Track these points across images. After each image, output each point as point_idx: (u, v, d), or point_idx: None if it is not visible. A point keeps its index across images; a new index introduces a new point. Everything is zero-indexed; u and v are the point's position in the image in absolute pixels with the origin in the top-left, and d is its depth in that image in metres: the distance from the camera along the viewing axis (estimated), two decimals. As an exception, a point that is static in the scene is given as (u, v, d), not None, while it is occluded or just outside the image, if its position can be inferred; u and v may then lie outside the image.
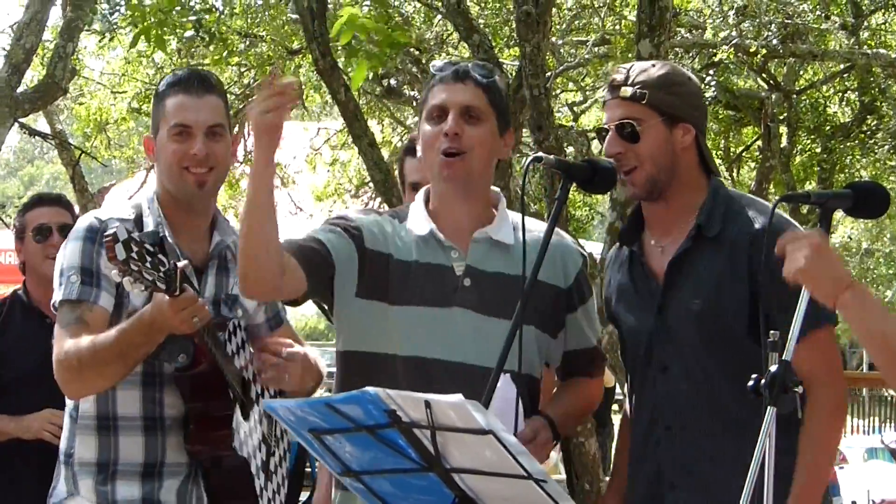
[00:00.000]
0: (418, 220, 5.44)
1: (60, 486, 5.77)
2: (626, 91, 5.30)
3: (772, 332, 4.74)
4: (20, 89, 10.31)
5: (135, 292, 5.36)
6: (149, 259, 5.10)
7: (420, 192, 5.56)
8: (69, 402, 5.76)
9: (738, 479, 4.47)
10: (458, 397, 4.45)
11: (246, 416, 5.77)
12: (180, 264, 5.23)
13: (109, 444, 5.69)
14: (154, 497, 5.72)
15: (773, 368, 4.66)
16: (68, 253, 5.64)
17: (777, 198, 5.26)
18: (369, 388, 4.56)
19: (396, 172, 6.80)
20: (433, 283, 5.40)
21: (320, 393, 6.33)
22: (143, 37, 13.55)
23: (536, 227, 5.54)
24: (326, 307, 5.48)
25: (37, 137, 12.35)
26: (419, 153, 5.59)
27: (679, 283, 5.28)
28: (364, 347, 5.36)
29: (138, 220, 5.73)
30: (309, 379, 5.77)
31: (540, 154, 5.43)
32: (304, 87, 18.47)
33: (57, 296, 5.61)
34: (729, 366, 5.20)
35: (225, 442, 5.71)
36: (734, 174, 21.18)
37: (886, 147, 18.12)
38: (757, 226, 5.26)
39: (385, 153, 15.05)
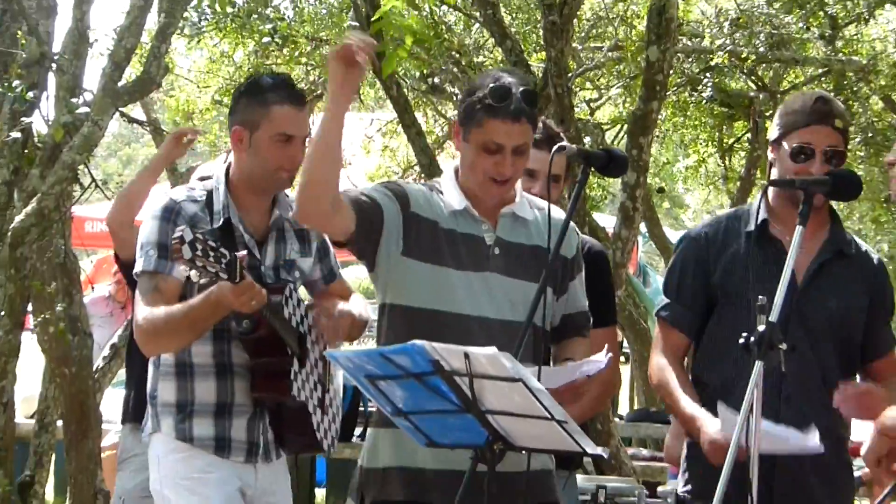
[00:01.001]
0: (453, 196, 5.44)
1: (148, 424, 5.87)
2: (840, 123, 5.44)
3: (760, 297, 4.75)
4: (121, 83, 10.29)
5: (201, 283, 5.41)
6: (212, 254, 5.25)
7: (449, 168, 5.56)
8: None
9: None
10: (492, 349, 4.47)
11: (302, 365, 5.79)
12: (239, 255, 5.36)
13: (186, 387, 5.79)
14: (226, 434, 5.81)
15: (760, 328, 4.66)
16: (147, 230, 5.77)
17: (765, 182, 5.30)
18: (417, 342, 4.58)
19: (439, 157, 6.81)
20: (470, 251, 5.38)
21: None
22: (225, 39, 13.60)
23: (546, 206, 5.50)
24: (365, 260, 5.39)
25: (134, 124, 12.30)
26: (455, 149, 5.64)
27: (818, 283, 5.41)
28: (414, 303, 5.33)
29: (209, 201, 5.85)
30: (356, 331, 5.91)
31: (564, 143, 5.44)
32: (361, 83, 18.44)
33: (137, 267, 5.71)
34: (843, 356, 5.44)
35: (285, 390, 5.75)
36: (727, 161, 21.08)
37: (857, 139, 18.02)
38: (875, 258, 5.63)
39: (429, 140, 14.98)
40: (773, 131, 5.55)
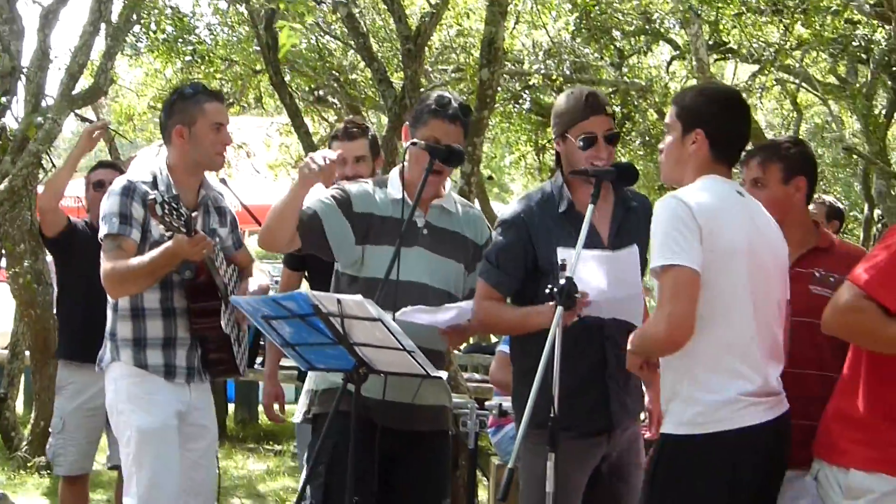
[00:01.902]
0: (395, 188, 5.44)
1: (107, 355, 5.84)
2: (609, 110, 5.43)
3: (561, 257, 4.75)
4: (75, 91, 10.19)
5: (167, 236, 5.51)
6: (174, 213, 5.34)
7: (397, 168, 5.57)
8: (110, 298, 5.85)
9: None
10: (358, 297, 4.50)
11: (227, 306, 5.82)
12: (194, 214, 5.60)
13: (140, 326, 5.77)
14: (172, 361, 5.81)
15: (562, 281, 4.66)
16: (109, 203, 5.80)
17: (561, 169, 5.32)
18: (301, 290, 4.60)
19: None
20: (404, 231, 5.32)
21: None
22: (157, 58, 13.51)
23: (460, 200, 5.71)
24: (324, 255, 5.49)
25: (86, 123, 12.16)
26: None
27: (621, 237, 5.27)
28: (361, 274, 5.40)
29: (154, 181, 5.85)
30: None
31: (415, 140, 5.42)
32: (262, 94, 18.33)
33: (102, 232, 5.70)
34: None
35: (217, 325, 5.81)
36: (541, 157, 21.17)
37: (637, 142, 18.15)
38: (648, 202, 5.49)
39: (315, 139, 14.94)
40: (554, 129, 5.40)
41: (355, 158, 6.57)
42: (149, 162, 6.17)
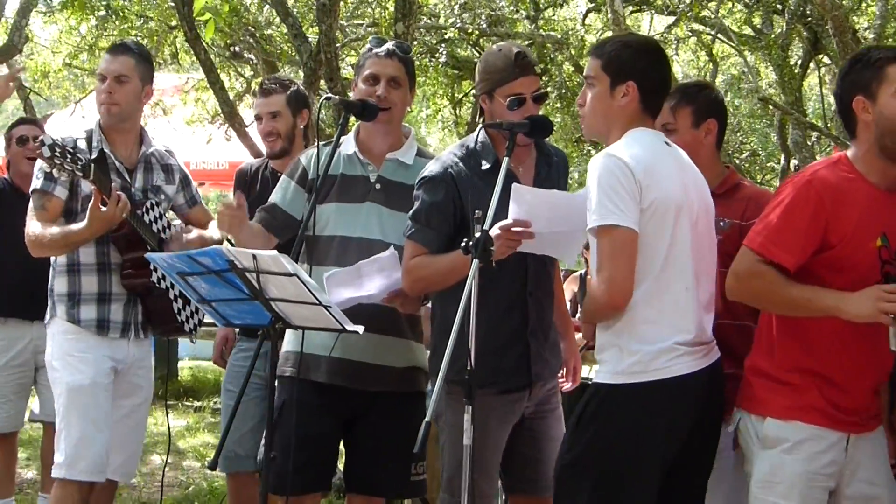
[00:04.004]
0: (347, 145, 5.45)
1: (47, 312, 5.91)
2: (537, 69, 5.40)
3: (477, 210, 4.75)
4: (-11, 48, 10.07)
5: (62, 178, 5.59)
6: (69, 156, 5.36)
7: (354, 126, 5.58)
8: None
9: None
10: (273, 252, 4.54)
11: None
12: (114, 186, 5.65)
13: (75, 281, 5.82)
14: (106, 316, 5.85)
15: (478, 234, 4.68)
16: (39, 161, 5.73)
17: (483, 125, 5.32)
18: (215, 246, 4.62)
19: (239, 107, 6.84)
20: (356, 187, 5.40)
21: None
22: (72, 15, 13.36)
23: (431, 155, 5.64)
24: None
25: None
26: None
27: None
28: (318, 232, 5.39)
29: (88, 139, 5.93)
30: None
31: (330, 95, 5.46)
32: (178, 50, 18.17)
33: (31, 186, 5.81)
34: None
35: (148, 277, 5.85)
36: (458, 111, 21.20)
37: (554, 94, 18.17)
38: (564, 155, 5.57)
39: (230, 95, 14.87)
40: (480, 86, 5.30)
41: (270, 114, 6.58)
42: (65, 122, 6.18)
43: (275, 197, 5.59)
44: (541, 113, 5.30)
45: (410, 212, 5.27)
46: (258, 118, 6.61)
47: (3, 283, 7.70)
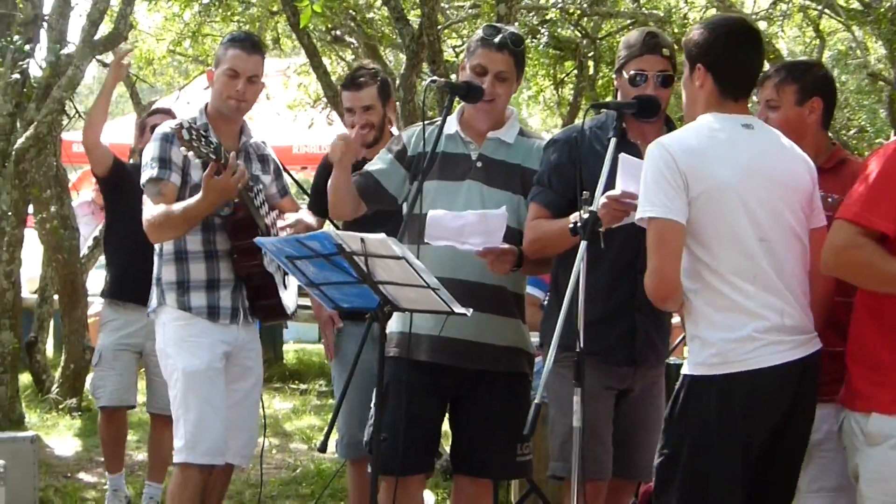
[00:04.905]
0: (450, 124, 5.46)
1: (153, 300, 5.97)
2: (667, 52, 5.33)
3: (585, 192, 4.77)
4: (96, 37, 10.26)
5: (195, 162, 5.66)
6: (203, 140, 5.46)
7: (458, 107, 5.61)
8: (156, 244, 5.97)
9: None
10: (381, 235, 4.57)
11: None
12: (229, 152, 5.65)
13: (183, 268, 5.89)
14: (216, 303, 5.93)
15: (585, 216, 4.69)
16: (150, 150, 5.95)
17: (588, 105, 5.32)
18: (324, 230, 4.68)
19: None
20: (457, 165, 5.45)
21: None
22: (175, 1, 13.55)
23: (534, 134, 5.73)
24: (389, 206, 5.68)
25: (106, 68, 12.24)
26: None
27: None
28: (416, 210, 5.34)
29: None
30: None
31: (434, 78, 5.49)
32: (279, 35, 18.31)
33: (143, 177, 5.82)
34: None
35: (259, 263, 5.89)
36: (559, 91, 21.11)
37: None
38: None
39: (333, 78, 14.96)
40: (617, 63, 5.39)
41: (363, 108, 6.66)
42: (165, 107, 6.23)
43: (371, 166, 5.69)
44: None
45: (535, 175, 5.42)
46: (350, 111, 6.69)
47: (123, 269, 7.94)
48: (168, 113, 8.09)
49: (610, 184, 4.83)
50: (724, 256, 4.46)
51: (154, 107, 10.05)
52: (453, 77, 5.76)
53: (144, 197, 5.91)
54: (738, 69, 4.66)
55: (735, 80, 4.65)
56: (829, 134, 5.35)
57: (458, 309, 4.77)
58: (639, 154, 5.02)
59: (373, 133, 6.56)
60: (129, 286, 7.75)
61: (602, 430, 5.24)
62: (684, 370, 4.58)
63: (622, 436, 5.40)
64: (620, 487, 5.59)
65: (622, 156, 4.88)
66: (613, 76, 5.52)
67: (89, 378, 7.95)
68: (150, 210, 5.82)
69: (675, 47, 5.52)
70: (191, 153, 5.58)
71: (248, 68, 6.01)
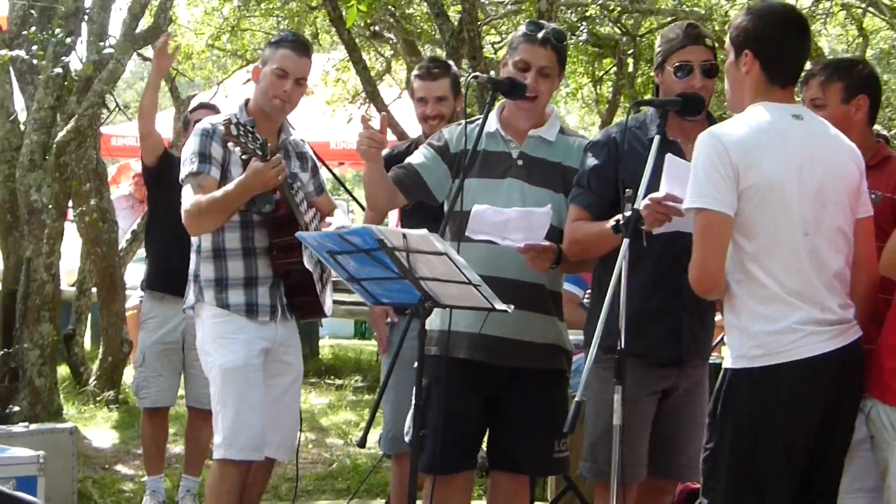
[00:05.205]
0: (490, 122, 5.42)
1: (190, 296, 5.98)
2: (710, 42, 5.31)
3: (628, 189, 4.75)
4: (137, 31, 10.30)
5: (242, 158, 5.66)
6: (250, 136, 5.50)
7: (498, 104, 5.60)
8: (194, 241, 5.99)
9: None
10: (423, 231, 4.56)
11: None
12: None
13: (222, 266, 5.89)
14: (254, 300, 5.94)
15: (627, 213, 4.68)
16: (190, 144, 5.94)
17: (631, 104, 5.29)
18: (365, 225, 4.68)
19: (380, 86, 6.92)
20: (498, 163, 5.43)
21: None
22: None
23: (575, 133, 5.72)
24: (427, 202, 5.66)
25: (147, 62, 12.27)
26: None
27: None
28: (455, 208, 5.28)
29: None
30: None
31: (476, 73, 5.49)
32: (318, 31, 18.33)
33: (183, 172, 5.81)
34: None
35: (298, 259, 5.87)
36: (598, 89, 21.09)
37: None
38: None
39: (371, 74, 14.98)
40: (655, 60, 5.37)
41: (436, 98, 6.67)
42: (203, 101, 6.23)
43: (413, 159, 5.64)
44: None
45: (575, 177, 5.40)
46: (422, 100, 6.68)
47: (162, 261, 7.98)
48: (212, 108, 8.10)
49: (653, 182, 4.81)
50: (769, 249, 4.44)
51: (198, 102, 10.10)
52: (492, 73, 5.75)
53: (184, 191, 5.92)
54: (786, 56, 4.61)
55: (783, 67, 4.61)
56: (884, 132, 5.32)
57: (500, 305, 4.76)
58: (680, 152, 5.04)
59: (442, 124, 6.53)
60: (170, 277, 7.76)
61: (634, 435, 5.20)
62: (725, 364, 4.56)
63: (664, 435, 5.38)
64: (661, 487, 5.58)
65: (668, 157, 4.85)
66: (653, 73, 5.49)
67: (127, 371, 7.97)
68: (189, 201, 5.83)
69: (716, 44, 5.48)
70: (238, 149, 5.63)
71: (297, 70, 6.03)
